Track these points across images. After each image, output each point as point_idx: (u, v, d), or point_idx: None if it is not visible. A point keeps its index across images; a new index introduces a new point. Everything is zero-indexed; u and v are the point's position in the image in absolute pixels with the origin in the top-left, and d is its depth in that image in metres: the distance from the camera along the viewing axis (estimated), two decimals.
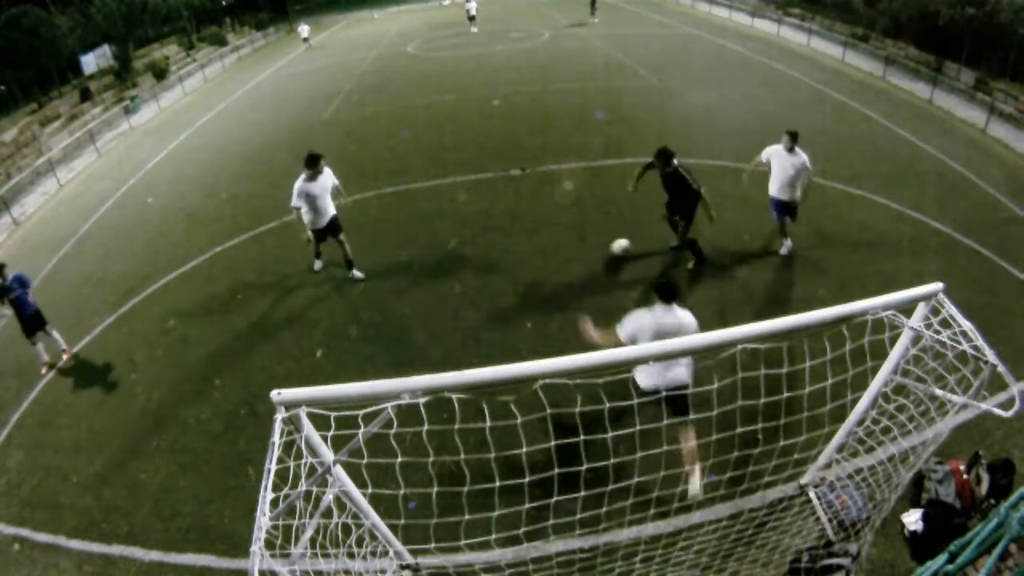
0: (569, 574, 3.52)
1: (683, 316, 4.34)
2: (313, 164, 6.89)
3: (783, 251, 7.61)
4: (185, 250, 9.16)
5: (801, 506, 4.13)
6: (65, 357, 7.01)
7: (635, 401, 2.42)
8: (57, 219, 12.07)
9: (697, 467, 4.28)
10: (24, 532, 4.92)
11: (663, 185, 6.95)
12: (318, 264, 8.06)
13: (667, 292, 4.34)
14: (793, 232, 7.61)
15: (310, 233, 7.23)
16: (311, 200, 6.97)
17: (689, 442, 4.26)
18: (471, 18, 26.14)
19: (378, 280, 7.76)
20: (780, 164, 6.97)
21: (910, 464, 3.17)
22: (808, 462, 3.98)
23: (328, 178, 7.12)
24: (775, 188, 7.14)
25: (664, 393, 3.82)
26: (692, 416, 4.21)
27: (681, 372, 4.25)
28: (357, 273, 7.76)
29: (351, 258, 7.68)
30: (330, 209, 7.22)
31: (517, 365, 2.11)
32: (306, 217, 7.10)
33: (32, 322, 6.74)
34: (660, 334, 4.11)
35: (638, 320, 4.31)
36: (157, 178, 13.12)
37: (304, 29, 27.31)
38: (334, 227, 7.38)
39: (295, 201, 6.93)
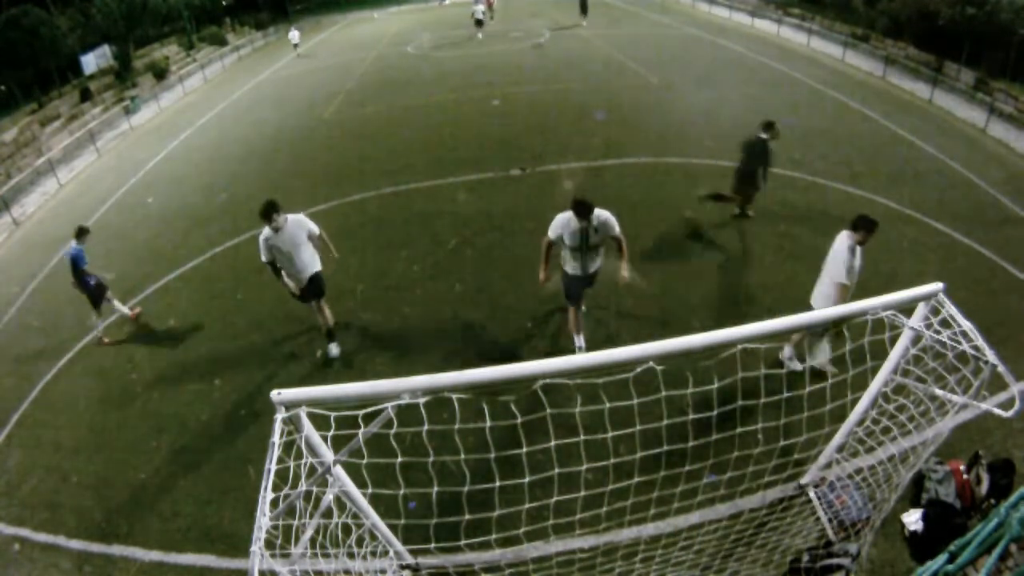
0: (569, 574, 3.52)
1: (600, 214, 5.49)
2: (268, 216, 5.48)
3: (790, 359, 5.62)
4: (185, 250, 9.16)
5: (801, 506, 4.13)
6: (131, 315, 7.63)
7: (634, 401, 2.41)
8: (57, 219, 12.06)
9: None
10: (24, 532, 4.92)
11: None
12: (334, 350, 6.40)
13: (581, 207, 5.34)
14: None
15: (292, 286, 6.00)
16: (280, 256, 5.74)
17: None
18: (478, 22, 24.28)
19: (378, 280, 7.75)
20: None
21: (910, 464, 3.18)
22: (808, 462, 3.99)
23: (299, 228, 5.74)
24: (821, 298, 5.16)
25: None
26: None
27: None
28: (333, 349, 6.37)
29: (331, 327, 6.34)
30: (309, 266, 5.92)
31: (517, 365, 2.11)
32: (286, 277, 5.94)
33: (99, 290, 7.24)
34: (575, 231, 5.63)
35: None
36: (157, 178, 13.12)
37: (294, 35, 26.11)
38: (314, 287, 6.05)
39: (264, 256, 5.74)
